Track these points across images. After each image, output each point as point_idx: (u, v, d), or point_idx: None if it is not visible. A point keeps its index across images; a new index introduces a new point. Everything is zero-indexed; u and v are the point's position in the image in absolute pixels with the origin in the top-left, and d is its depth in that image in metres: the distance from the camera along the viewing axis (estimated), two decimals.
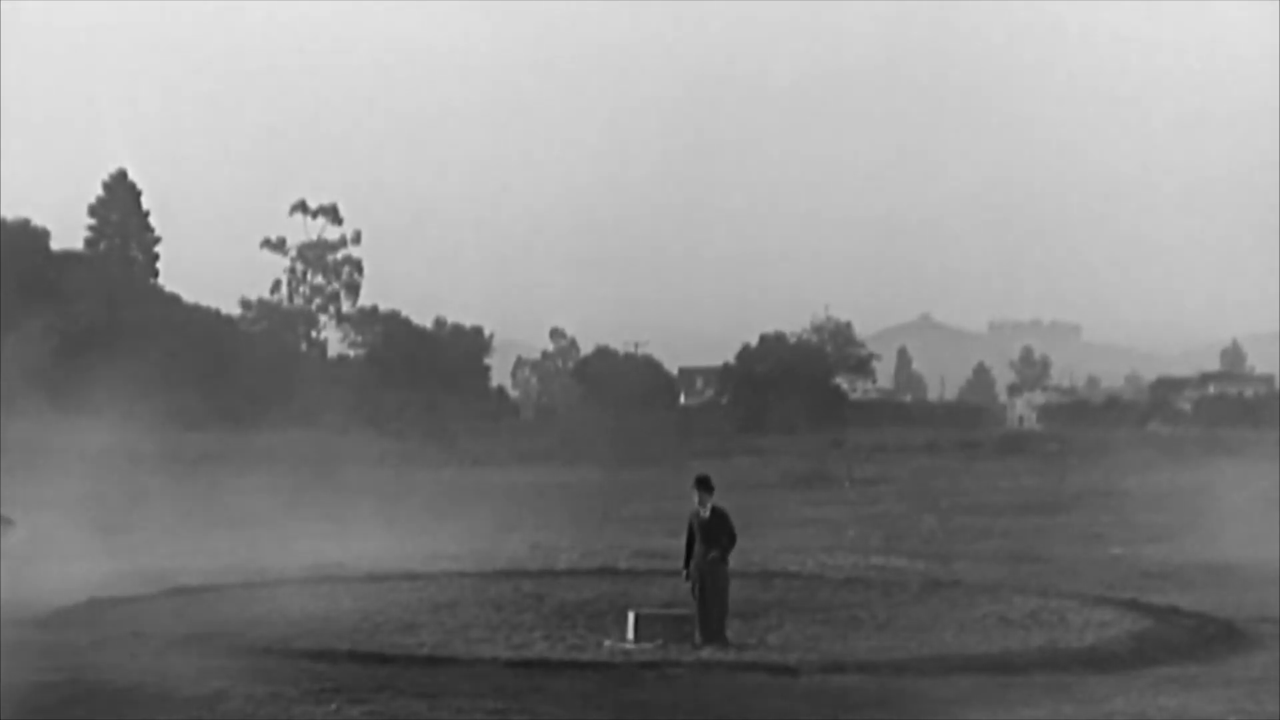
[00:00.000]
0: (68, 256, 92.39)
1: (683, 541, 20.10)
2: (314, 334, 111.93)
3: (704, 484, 19.70)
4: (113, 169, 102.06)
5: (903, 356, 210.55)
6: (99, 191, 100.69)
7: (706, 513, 19.61)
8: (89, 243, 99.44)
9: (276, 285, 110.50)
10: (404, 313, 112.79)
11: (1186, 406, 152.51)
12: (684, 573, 19.87)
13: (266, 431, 77.61)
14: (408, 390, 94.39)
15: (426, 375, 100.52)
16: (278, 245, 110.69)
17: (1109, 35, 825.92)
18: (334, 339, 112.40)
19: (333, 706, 15.03)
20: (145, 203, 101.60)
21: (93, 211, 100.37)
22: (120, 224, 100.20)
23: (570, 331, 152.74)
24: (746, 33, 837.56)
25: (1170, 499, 49.74)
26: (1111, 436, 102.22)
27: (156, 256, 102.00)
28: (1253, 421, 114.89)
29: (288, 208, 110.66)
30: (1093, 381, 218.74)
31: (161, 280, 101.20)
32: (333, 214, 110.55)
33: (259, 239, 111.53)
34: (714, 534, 19.50)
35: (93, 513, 40.58)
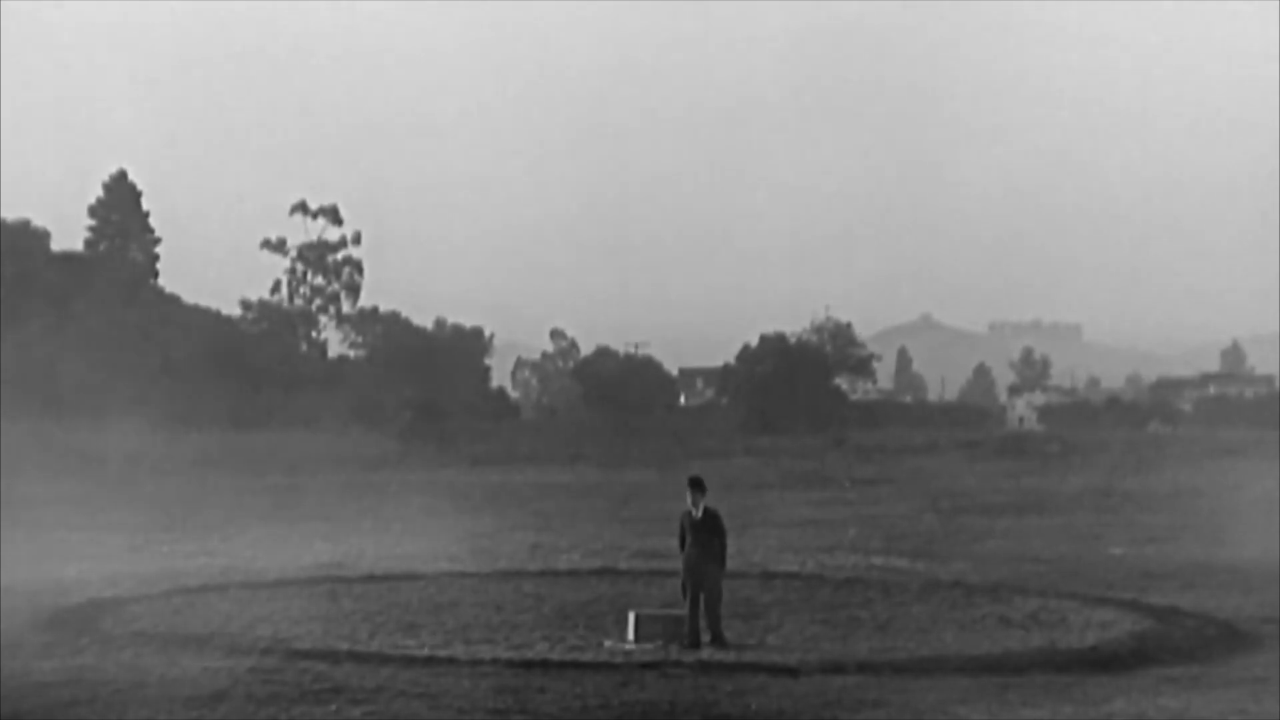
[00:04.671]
0: (68, 257, 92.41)
1: (676, 542, 20.15)
2: (314, 335, 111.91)
3: (697, 485, 19.72)
4: (113, 169, 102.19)
5: (903, 357, 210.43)
6: (99, 192, 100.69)
7: (699, 513, 19.63)
8: (89, 244, 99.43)
9: (276, 286, 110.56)
10: (404, 313, 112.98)
11: (1187, 407, 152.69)
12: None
13: (267, 432, 77.70)
14: (408, 391, 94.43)
15: (427, 376, 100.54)
16: (278, 246, 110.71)
17: (1110, 37, 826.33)
18: (334, 340, 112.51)
19: (333, 707, 15.03)
20: (145, 203, 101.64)
21: (93, 212, 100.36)
22: (120, 225, 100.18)
23: (570, 332, 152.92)
24: (747, 35, 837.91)
25: (1171, 499, 49.76)
26: (1112, 437, 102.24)
27: (156, 257, 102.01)
28: (1253, 422, 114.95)
29: (288, 208, 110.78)
30: (1093, 382, 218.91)
31: (161, 281, 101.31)
32: (333, 214, 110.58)
33: (259, 240, 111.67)
34: (705, 534, 19.51)
35: (93, 513, 40.61)
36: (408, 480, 58.19)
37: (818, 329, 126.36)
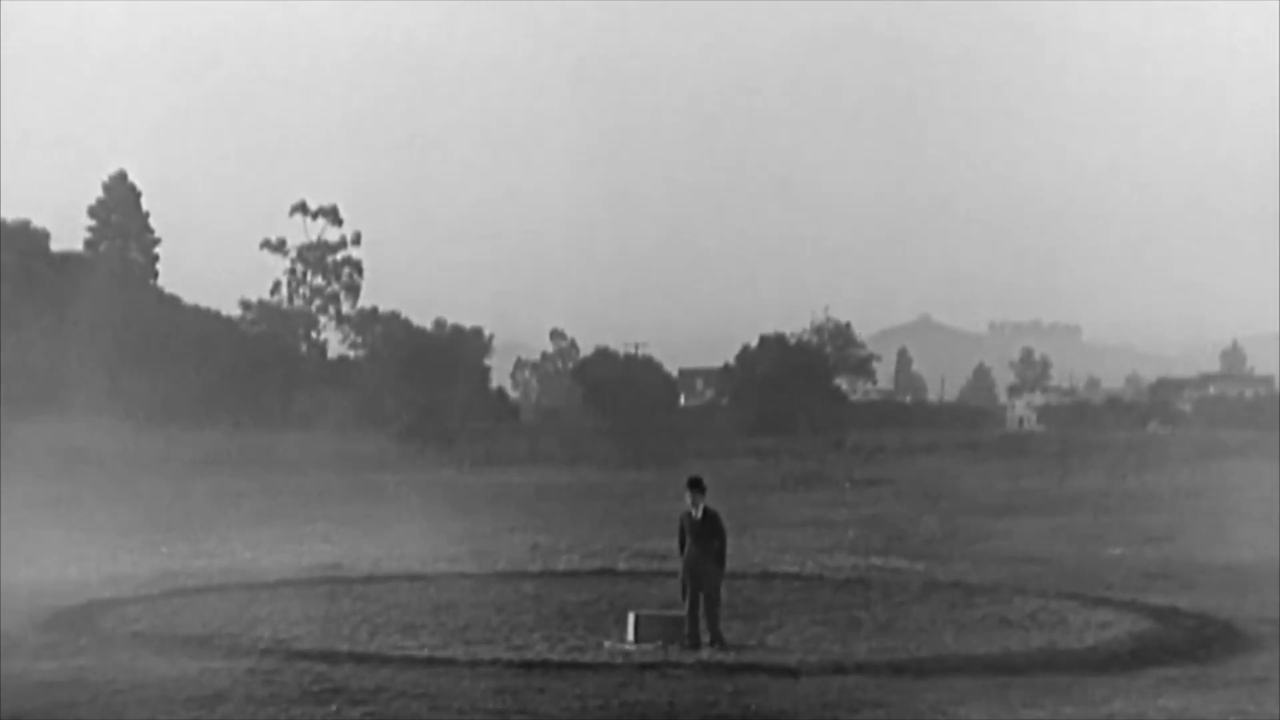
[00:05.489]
0: (68, 257, 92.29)
1: (675, 543, 20.16)
2: (314, 335, 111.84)
3: (696, 485, 19.72)
4: (113, 170, 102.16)
5: (903, 357, 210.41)
6: (99, 192, 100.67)
7: (699, 514, 19.63)
8: (89, 244, 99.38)
9: (276, 286, 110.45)
10: (404, 314, 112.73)
11: (1187, 407, 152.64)
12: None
13: (266, 433, 77.64)
14: (408, 392, 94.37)
15: (426, 377, 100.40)
16: (278, 246, 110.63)
17: (1109, 35, 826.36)
18: (334, 340, 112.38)
19: (333, 708, 15.03)
20: (145, 204, 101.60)
21: (93, 212, 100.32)
22: (120, 225, 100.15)
23: (570, 333, 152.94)
24: (745, 34, 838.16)
25: (1171, 499, 49.75)
26: (1112, 437, 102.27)
27: (156, 258, 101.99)
28: (1253, 422, 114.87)
29: (288, 209, 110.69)
30: (1093, 382, 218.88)
31: (161, 281, 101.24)
32: (333, 215, 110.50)
33: (259, 240, 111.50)
34: (705, 535, 19.52)
35: (93, 513, 40.59)
36: (408, 480, 58.14)
37: (817, 329, 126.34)
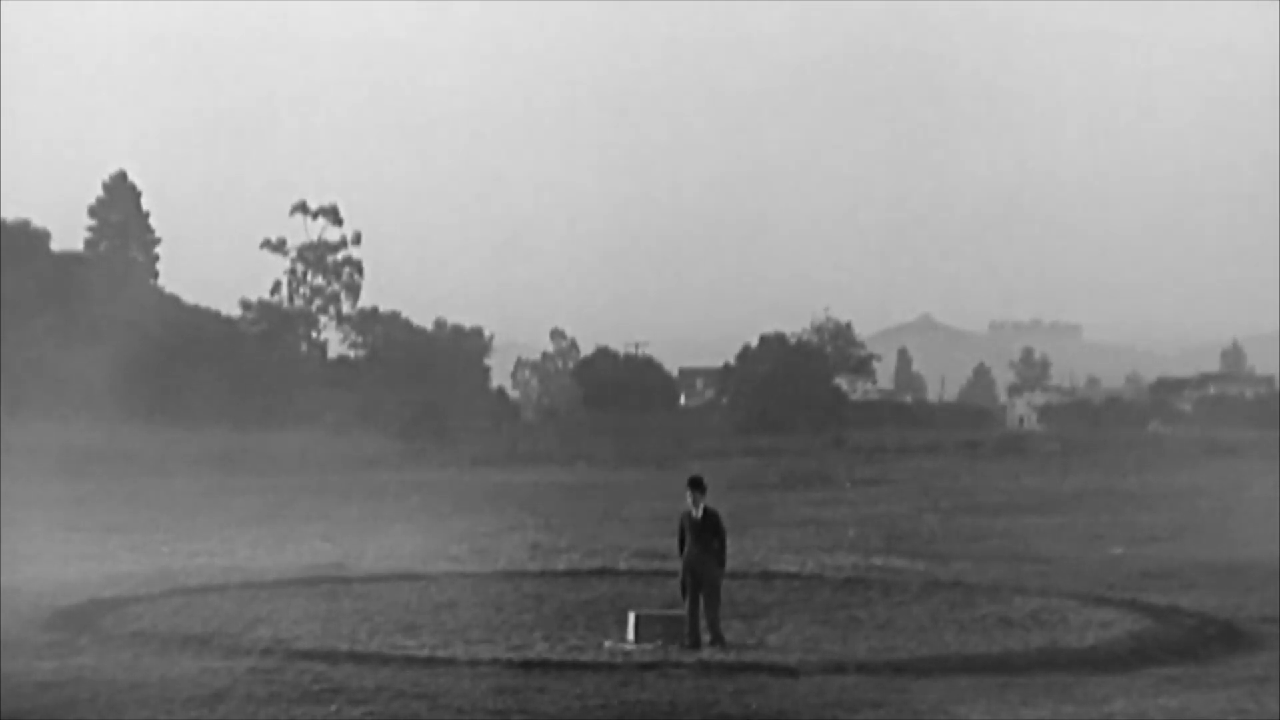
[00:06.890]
0: (68, 257, 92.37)
1: (676, 542, 20.15)
2: (314, 335, 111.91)
3: (697, 485, 19.70)
4: (113, 170, 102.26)
5: (903, 357, 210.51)
6: (99, 192, 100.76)
7: (699, 513, 19.62)
8: (89, 244, 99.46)
9: (277, 286, 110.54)
10: (404, 313, 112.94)
11: (1187, 407, 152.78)
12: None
13: (267, 432, 77.66)
14: (408, 391, 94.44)
15: (427, 376, 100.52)
16: (278, 246, 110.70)
17: (1109, 35, 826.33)
18: (334, 340, 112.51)
19: (333, 707, 15.03)
20: (145, 203, 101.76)
21: (93, 212, 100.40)
22: (120, 225, 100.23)
23: (570, 332, 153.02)
24: (746, 33, 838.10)
25: (1170, 499, 49.71)
26: (1112, 437, 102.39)
27: (157, 257, 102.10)
28: (1253, 422, 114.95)
29: (288, 208, 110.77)
30: (1093, 382, 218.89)
31: (162, 281, 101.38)
32: (333, 215, 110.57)
33: (259, 240, 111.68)
34: (705, 534, 19.51)
35: (93, 513, 40.59)
36: (408, 480, 58.16)
37: (818, 329, 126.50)
